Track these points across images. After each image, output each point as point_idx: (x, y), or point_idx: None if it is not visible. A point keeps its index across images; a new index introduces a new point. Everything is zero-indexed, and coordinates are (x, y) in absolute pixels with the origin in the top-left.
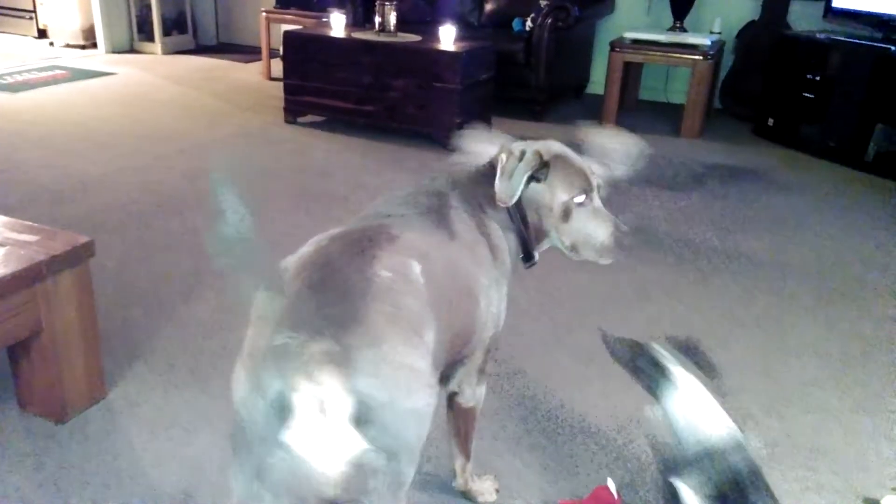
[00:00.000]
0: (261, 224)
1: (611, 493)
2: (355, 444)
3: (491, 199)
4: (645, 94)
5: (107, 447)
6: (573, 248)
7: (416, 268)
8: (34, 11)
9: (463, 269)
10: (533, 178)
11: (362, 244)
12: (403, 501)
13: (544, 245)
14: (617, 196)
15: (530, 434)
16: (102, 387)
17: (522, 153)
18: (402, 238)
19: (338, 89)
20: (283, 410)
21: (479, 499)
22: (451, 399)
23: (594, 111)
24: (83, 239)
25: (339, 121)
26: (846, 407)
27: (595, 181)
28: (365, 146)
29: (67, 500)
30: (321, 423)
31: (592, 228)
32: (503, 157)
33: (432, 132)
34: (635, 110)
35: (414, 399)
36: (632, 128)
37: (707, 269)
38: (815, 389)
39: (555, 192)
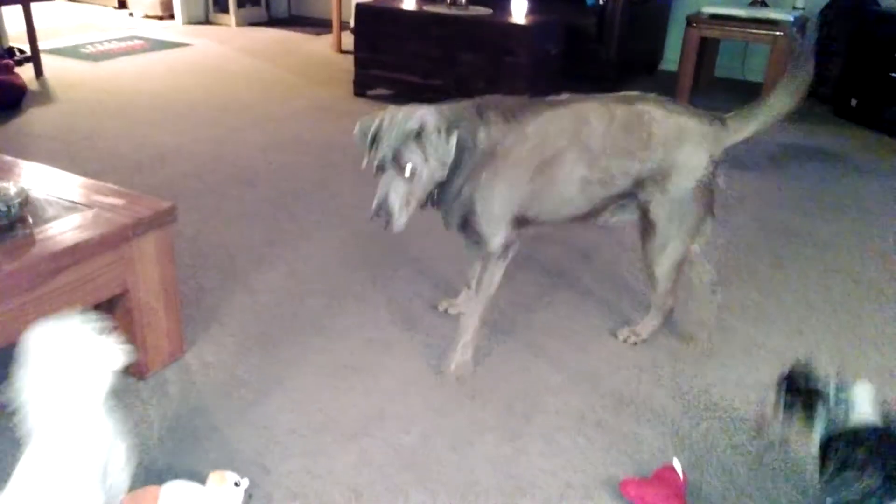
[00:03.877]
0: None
1: (676, 473)
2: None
3: None
4: (721, 72)
5: (183, 405)
6: None
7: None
8: None
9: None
10: None
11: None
12: None
13: None
14: None
15: (594, 411)
16: (181, 347)
17: None
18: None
19: (407, 63)
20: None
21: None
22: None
23: (667, 88)
24: (166, 204)
25: (408, 94)
26: None
27: None
28: None
29: (146, 456)
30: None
31: None
32: None
33: None
34: (711, 88)
35: None
36: (707, 106)
37: (783, 253)
38: (893, 380)
39: None
